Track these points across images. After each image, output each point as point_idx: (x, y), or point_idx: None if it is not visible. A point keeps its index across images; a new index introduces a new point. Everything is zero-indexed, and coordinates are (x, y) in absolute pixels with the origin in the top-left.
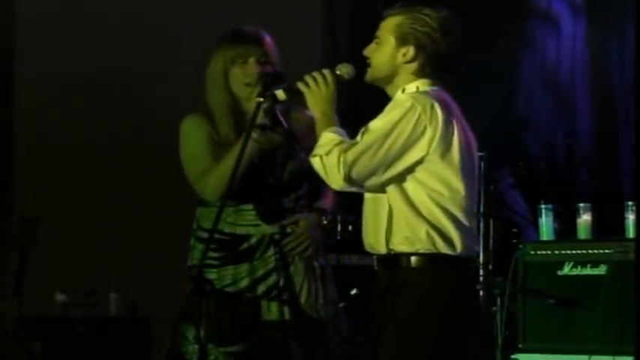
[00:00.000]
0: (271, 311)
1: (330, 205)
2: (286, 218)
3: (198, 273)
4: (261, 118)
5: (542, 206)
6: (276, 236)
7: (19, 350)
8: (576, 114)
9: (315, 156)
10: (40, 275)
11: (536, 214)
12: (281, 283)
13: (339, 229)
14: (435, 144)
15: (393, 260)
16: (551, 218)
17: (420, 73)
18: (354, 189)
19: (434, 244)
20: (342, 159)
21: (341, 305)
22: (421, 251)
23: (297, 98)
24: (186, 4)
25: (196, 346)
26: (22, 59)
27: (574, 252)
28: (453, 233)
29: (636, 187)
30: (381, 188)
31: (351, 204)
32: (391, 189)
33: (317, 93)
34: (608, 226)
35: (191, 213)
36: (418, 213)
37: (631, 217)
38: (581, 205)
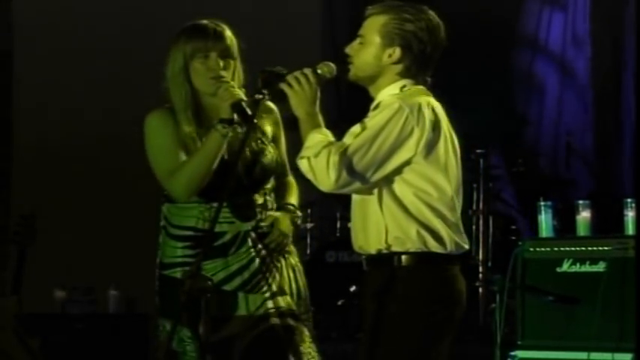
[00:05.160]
0: (246, 305)
1: (297, 201)
2: (258, 214)
3: (196, 271)
4: (227, 114)
5: (542, 203)
6: (252, 233)
7: (18, 347)
8: (576, 112)
9: (302, 158)
10: (39, 272)
11: (536, 211)
12: (256, 277)
13: (338, 226)
14: (422, 145)
15: (384, 260)
16: (550, 215)
17: (405, 74)
18: (344, 191)
19: (424, 242)
20: (331, 161)
21: (340, 302)
22: (412, 250)
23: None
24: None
25: (193, 345)
26: (22, 59)
27: (573, 249)
28: (443, 231)
29: (636, 185)
30: (369, 190)
31: (349, 201)
32: (379, 190)
33: (300, 94)
34: (607, 224)
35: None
36: (407, 212)
37: (630, 215)
38: (580, 202)
